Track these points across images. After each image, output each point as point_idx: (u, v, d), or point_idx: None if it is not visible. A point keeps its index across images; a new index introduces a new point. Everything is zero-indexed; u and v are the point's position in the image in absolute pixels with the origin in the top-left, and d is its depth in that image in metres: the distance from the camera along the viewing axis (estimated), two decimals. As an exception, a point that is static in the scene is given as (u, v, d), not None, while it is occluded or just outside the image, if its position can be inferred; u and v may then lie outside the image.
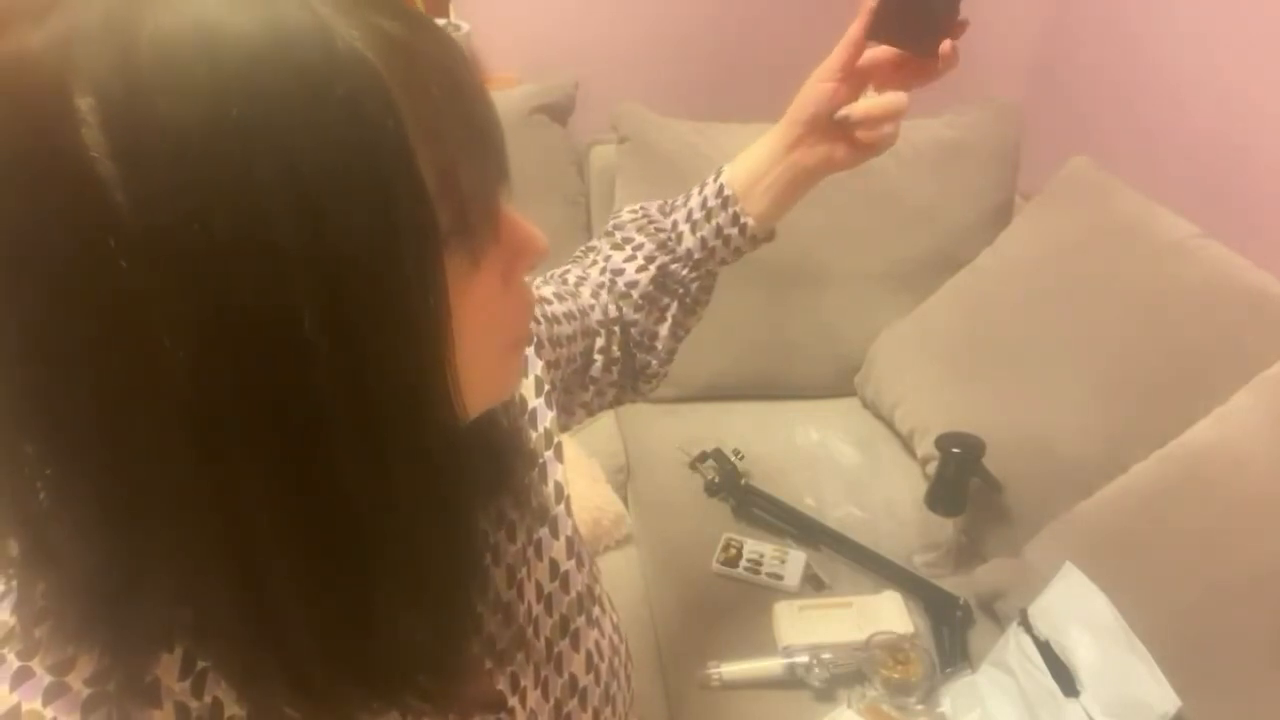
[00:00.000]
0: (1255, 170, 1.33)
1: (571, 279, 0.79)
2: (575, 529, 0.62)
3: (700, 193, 0.77)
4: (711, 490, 1.37)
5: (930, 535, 1.26)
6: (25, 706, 0.37)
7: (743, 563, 1.24)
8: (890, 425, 1.50)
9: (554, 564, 0.59)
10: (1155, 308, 1.22)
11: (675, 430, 1.49)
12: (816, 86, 0.71)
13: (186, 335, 0.31)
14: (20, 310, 0.32)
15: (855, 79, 0.71)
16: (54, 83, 0.30)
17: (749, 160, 0.76)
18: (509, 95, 1.66)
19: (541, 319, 0.70)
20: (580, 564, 0.61)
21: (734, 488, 1.35)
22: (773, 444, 1.46)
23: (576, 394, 0.78)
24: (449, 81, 0.36)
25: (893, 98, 0.70)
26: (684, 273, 0.78)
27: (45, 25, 0.31)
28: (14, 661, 0.38)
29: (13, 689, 0.38)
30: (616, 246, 0.79)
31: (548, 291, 0.74)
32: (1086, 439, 1.20)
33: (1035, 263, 1.41)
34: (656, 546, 1.34)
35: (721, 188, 0.76)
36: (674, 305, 0.80)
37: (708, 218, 0.76)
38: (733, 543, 1.28)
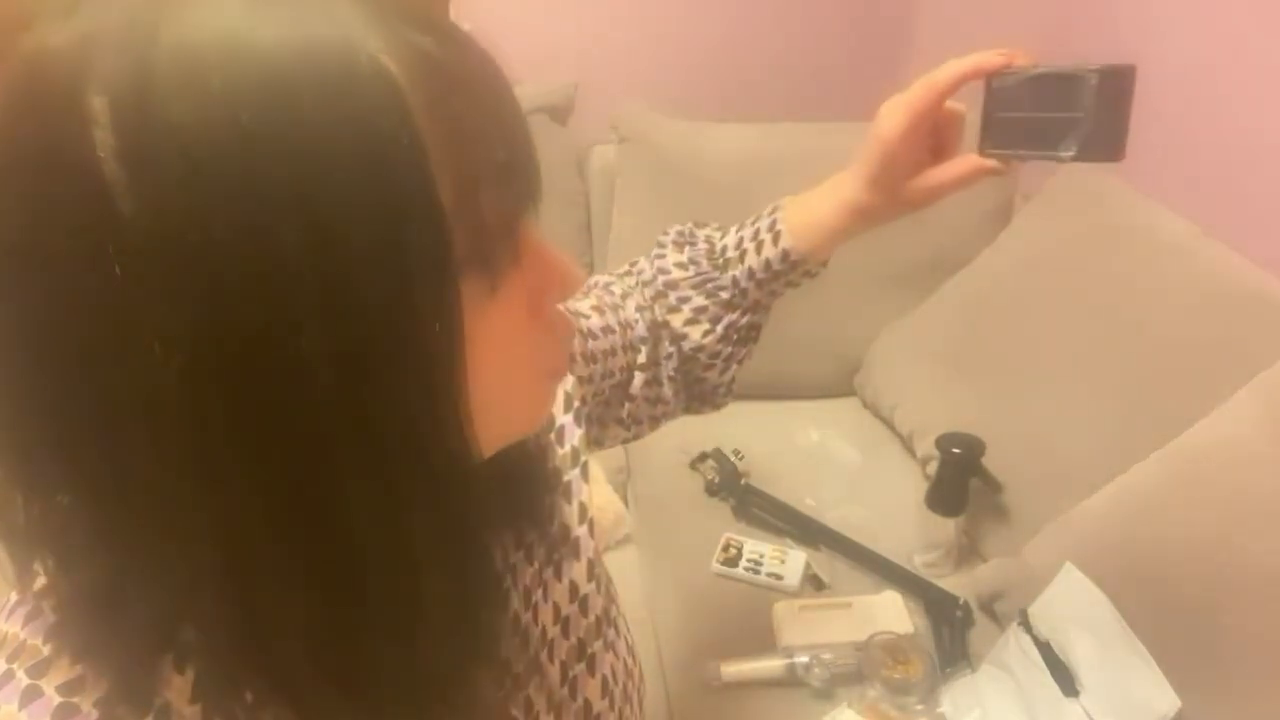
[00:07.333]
0: (1255, 170, 1.33)
1: (617, 291, 0.76)
2: (597, 551, 0.60)
3: (755, 237, 0.73)
4: (711, 490, 1.37)
5: (930, 535, 1.26)
6: None
7: (743, 563, 1.24)
8: (890, 425, 1.50)
9: (574, 586, 0.57)
10: (1155, 308, 1.22)
11: (675, 430, 1.47)
12: (887, 139, 0.64)
13: (178, 347, 0.30)
14: (22, 309, 0.31)
15: (926, 129, 0.64)
16: (69, 81, 0.30)
17: (809, 211, 0.71)
18: (509, 95, 1.66)
19: (576, 333, 0.67)
20: (599, 587, 0.60)
21: (734, 488, 1.35)
22: (773, 444, 1.46)
23: (613, 409, 0.76)
24: (479, 101, 0.36)
25: (967, 170, 0.64)
26: (746, 319, 0.77)
27: (68, 25, 0.31)
28: (23, 679, 0.37)
29: (21, 707, 0.37)
30: (673, 309, 0.76)
31: (585, 305, 0.72)
32: (1086, 439, 1.20)
33: (1035, 263, 1.41)
34: (656, 546, 1.34)
35: (775, 222, 0.72)
36: (741, 351, 0.78)
37: (766, 267, 0.73)
38: (733, 543, 1.28)
